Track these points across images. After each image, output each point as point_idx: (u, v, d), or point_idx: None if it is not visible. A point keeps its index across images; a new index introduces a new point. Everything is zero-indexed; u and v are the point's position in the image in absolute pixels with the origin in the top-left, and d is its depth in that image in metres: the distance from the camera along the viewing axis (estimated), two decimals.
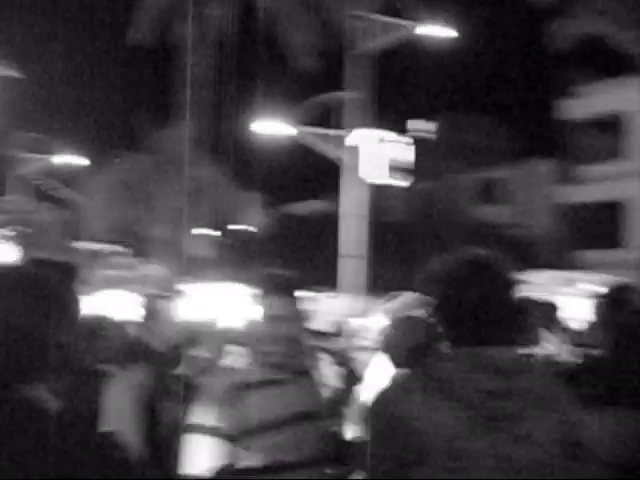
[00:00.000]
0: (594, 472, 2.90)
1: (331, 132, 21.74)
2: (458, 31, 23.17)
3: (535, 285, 13.75)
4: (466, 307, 2.88)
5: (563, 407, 2.88)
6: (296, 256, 36.40)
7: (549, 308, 5.01)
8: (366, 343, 7.43)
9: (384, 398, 2.91)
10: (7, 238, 26.99)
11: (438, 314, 2.94)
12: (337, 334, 9.67)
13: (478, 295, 2.87)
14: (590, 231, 37.50)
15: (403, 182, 21.38)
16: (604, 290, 4.22)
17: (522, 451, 2.76)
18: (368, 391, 4.35)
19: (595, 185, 35.84)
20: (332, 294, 22.94)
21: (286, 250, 36.60)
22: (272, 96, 23.79)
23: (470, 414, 2.77)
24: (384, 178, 21.35)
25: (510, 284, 2.95)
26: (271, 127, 22.48)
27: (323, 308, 23.33)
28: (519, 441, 2.77)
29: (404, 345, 4.24)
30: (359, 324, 11.42)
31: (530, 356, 3.07)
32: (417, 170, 51.10)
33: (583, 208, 37.56)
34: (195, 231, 31.67)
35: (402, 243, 36.44)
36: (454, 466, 2.74)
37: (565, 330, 6.32)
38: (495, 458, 2.75)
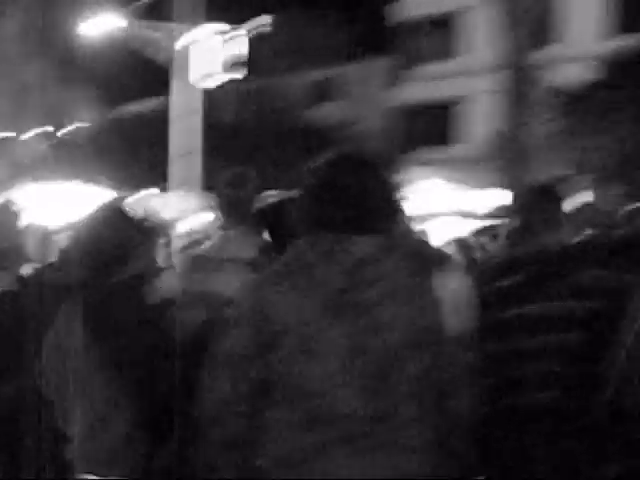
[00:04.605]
0: (441, 362, 2.94)
1: (164, 27, 21.31)
2: None
3: None
4: (328, 194, 2.95)
5: (419, 298, 2.91)
6: (130, 155, 35.86)
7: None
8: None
9: (247, 285, 2.99)
10: None
11: (305, 202, 3.02)
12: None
13: (340, 183, 2.94)
14: (423, 129, 38.15)
15: (237, 75, 21.29)
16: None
17: (373, 339, 2.83)
18: None
19: (428, 84, 36.35)
20: (165, 192, 22.81)
21: (120, 149, 35.97)
22: None
23: (327, 301, 2.84)
24: (218, 77, 21.18)
25: (379, 177, 2.99)
26: (103, 23, 21.81)
27: (154, 206, 23.22)
28: (371, 330, 2.83)
29: None
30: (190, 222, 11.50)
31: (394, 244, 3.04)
32: (253, 67, 50.63)
33: (416, 107, 38.10)
34: (25, 131, 30.69)
35: (236, 141, 36.30)
36: (306, 350, 2.81)
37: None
38: (347, 345, 2.81)
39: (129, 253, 3.75)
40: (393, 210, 3.03)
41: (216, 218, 4.21)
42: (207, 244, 4.27)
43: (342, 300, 2.84)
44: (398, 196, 3.08)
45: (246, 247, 4.10)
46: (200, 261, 4.19)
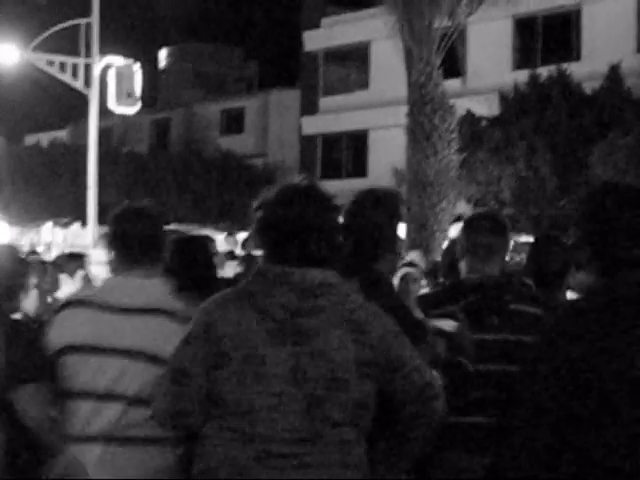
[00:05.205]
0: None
1: (74, 60, 21.16)
2: None
3: None
4: (280, 228, 3.09)
5: (364, 328, 3.04)
6: (41, 187, 35.36)
7: None
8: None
9: (203, 308, 3.13)
10: None
11: (262, 236, 3.15)
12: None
13: (291, 217, 3.08)
14: (334, 161, 38.36)
15: (132, 109, 21.26)
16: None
17: (317, 366, 2.97)
18: None
19: (340, 115, 36.53)
20: (72, 224, 22.47)
21: (30, 181, 35.43)
22: (10, 22, 22.85)
23: (272, 326, 3.00)
24: (126, 107, 21.14)
25: (329, 211, 3.15)
26: (9, 54, 21.53)
27: (62, 238, 22.82)
28: (315, 356, 2.97)
29: None
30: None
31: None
32: (157, 99, 50.08)
33: (327, 138, 38.32)
34: None
35: (140, 173, 35.99)
36: (250, 370, 2.96)
37: None
38: (290, 369, 2.96)
39: (17, 287, 3.87)
40: (339, 243, 3.17)
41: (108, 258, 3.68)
42: (95, 288, 3.85)
43: (285, 327, 2.98)
44: (342, 230, 3.21)
45: (150, 294, 3.63)
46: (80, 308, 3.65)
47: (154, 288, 3.63)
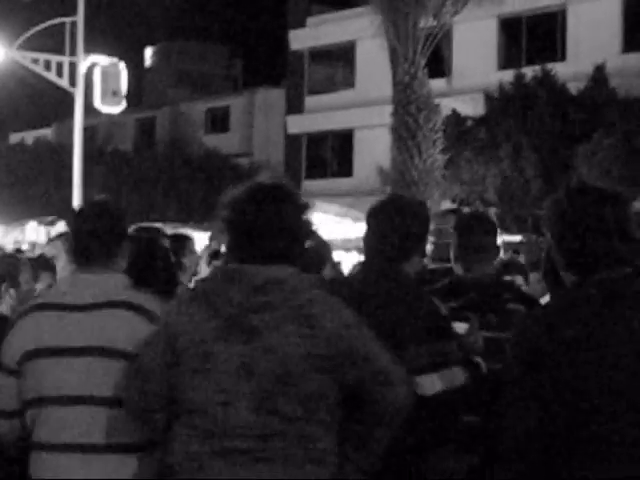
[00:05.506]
0: (335, 383, 3.04)
1: (59, 58, 21.10)
2: None
3: None
4: (239, 227, 3.14)
5: (316, 322, 3.01)
6: (25, 185, 35.24)
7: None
8: None
9: (165, 308, 3.25)
10: None
11: (231, 234, 3.18)
12: None
13: (249, 215, 3.11)
14: (320, 160, 38.35)
15: (117, 108, 21.25)
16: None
17: (267, 361, 2.98)
18: None
19: (325, 114, 36.52)
20: (56, 223, 22.41)
21: (14, 180, 35.30)
22: None
23: (222, 323, 3.03)
24: (111, 106, 21.13)
25: (295, 209, 3.16)
26: None
27: (47, 236, 22.69)
28: (265, 352, 2.98)
29: None
30: None
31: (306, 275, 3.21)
32: (142, 98, 49.99)
33: (313, 137, 38.29)
34: None
35: (124, 171, 35.91)
36: (201, 367, 3.01)
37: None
38: (240, 365, 2.98)
39: None
40: (303, 241, 3.21)
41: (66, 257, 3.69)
42: (53, 289, 3.79)
43: (235, 324, 3.01)
44: (309, 228, 3.23)
45: (112, 290, 3.48)
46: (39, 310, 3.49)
47: (109, 283, 3.49)
